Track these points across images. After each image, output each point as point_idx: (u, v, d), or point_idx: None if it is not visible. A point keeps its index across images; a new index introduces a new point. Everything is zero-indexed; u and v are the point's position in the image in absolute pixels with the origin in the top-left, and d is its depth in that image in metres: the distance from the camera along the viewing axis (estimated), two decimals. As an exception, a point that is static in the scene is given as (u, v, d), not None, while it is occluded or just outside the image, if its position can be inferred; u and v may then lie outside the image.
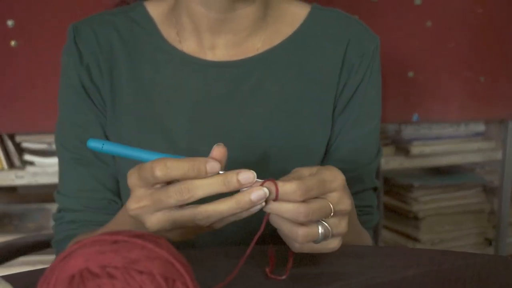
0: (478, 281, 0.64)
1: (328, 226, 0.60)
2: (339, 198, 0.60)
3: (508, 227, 2.11)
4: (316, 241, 0.60)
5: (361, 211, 0.91)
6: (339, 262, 0.68)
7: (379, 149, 0.94)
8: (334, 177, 0.60)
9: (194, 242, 0.84)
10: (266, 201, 0.58)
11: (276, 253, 0.66)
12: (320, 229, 0.60)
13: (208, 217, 0.57)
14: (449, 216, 2.08)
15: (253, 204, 0.56)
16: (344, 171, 0.86)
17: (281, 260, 0.65)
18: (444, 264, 0.69)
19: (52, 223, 0.92)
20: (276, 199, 0.57)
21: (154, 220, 0.58)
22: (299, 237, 0.58)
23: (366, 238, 0.88)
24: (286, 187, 0.57)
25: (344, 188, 0.61)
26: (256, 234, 0.59)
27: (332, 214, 0.60)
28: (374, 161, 0.93)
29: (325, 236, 0.60)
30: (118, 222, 0.76)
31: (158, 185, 0.58)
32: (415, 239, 2.04)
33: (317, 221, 0.60)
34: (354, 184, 0.90)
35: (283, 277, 0.63)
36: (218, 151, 0.58)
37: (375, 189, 0.94)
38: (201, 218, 0.57)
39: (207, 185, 0.56)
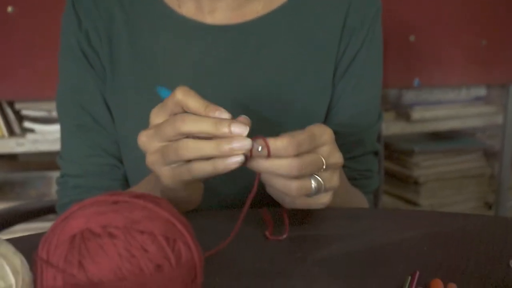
0: (478, 242, 0.65)
1: (320, 180, 0.60)
2: (330, 152, 0.61)
3: (508, 191, 2.12)
4: (309, 195, 0.61)
5: (361, 175, 0.91)
6: (339, 224, 0.68)
7: (380, 114, 0.93)
8: (323, 131, 0.61)
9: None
10: (255, 158, 0.57)
11: (273, 214, 0.66)
12: (313, 183, 0.60)
13: (187, 148, 0.57)
14: (449, 181, 2.08)
15: (233, 151, 0.56)
16: (345, 135, 0.86)
17: (278, 221, 0.66)
18: (444, 226, 0.69)
19: (54, 188, 0.93)
20: (268, 155, 0.57)
21: (152, 150, 0.60)
22: (292, 190, 0.59)
23: (360, 201, 0.89)
24: (278, 143, 0.57)
25: (333, 141, 0.62)
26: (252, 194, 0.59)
27: (324, 167, 0.60)
28: (375, 125, 0.92)
29: (318, 190, 0.61)
30: (147, 180, 0.78)
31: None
32: (416, 204, 2.05)
33: (310, 175, 0.60)
34: (354, 148, 0.90)
35: (284, 236, 0.64)
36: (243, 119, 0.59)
37: (376, 153, 0.94)
38: (182, 147, 0.57)
39: (199, 120, 0.57)
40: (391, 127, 1.93)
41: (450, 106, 2.02)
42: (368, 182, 0.92)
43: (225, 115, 0.57)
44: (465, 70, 1.93)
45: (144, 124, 0.85)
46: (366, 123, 0.91)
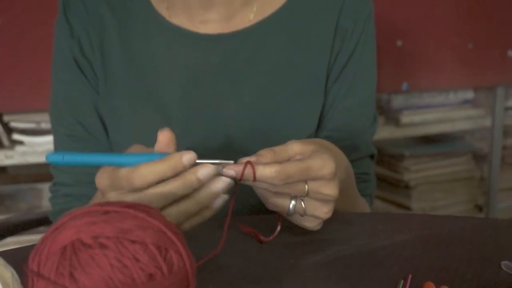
0: (470, 244, 0.65)
1: (302, 204, 0.60)
2: (323, 186, 0.60)
3: (498, 193, 2.13)
4: (287, 214, 0.61)
5: (358, 178, 0.91)
6: (332, 229, 0.68)
7: (375, 117, 0.93)
8: (322, 165, 0.59)
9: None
10: (240, 180, 0.57)
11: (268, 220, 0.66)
12: (292, 204, 0.60)
13: (157, 196, 0.55)
14: (440, 184, 2.09)
15: (201, 182, 0.55)
16: (339, 139, 0.86)
17: (271, 226, 0.66)
18: (435, 228, 0.70)
19: (46, 199, 0.93)
20: (253, 180, 0.57)
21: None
22: (268, 204, 0.61)
23: (364, 207, 0.89)
24: (266, 171, 0.56)
25: (332, 176, 0.60)
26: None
27: (306, 194, 0.60)
28: (370, 128, 0.92)
29: (297, 212, 0.61)
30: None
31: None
32: (407, 208, 2.05)
33: (293, 196, 0.60)
34: (350, 152, 0.89)
35: (274, 236, 0.64)
36: (164, 136, 0.57)
37: (372, 156, 0.94)
38: (152, 197, 0.55)
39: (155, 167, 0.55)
40: (381, 131, 1.93)
41: (438, 110, 2.03)
42: (366, 185, 0.92)
43: (191, 156, 0.55)
44: (453, 73, 1.95)
45: (138, 129, 0.85)
46: (361, 126, 0.91)
